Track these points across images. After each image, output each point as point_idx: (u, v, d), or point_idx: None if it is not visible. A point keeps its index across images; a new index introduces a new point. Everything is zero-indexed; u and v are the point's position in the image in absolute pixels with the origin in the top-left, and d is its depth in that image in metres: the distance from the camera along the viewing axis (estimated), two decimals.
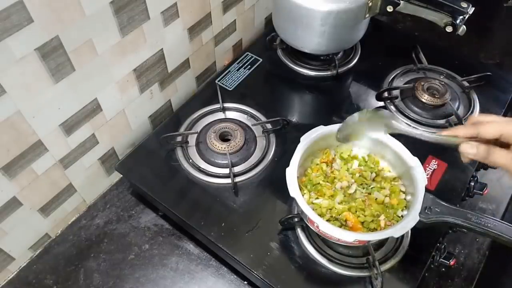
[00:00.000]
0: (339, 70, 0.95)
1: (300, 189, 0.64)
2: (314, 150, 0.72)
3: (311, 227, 0.67)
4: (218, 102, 0.88)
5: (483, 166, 0.83)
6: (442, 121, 0.87)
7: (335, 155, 0.73)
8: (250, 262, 0.68)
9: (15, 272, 0.73)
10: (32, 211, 0.71)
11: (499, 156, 0.55)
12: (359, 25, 0.91)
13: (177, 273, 0.72)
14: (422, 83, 0.90)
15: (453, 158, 0.81)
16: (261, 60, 1.00)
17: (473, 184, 0.79)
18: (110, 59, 0.70)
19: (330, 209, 0.67)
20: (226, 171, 0.78)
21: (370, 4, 0.85)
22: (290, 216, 0.69)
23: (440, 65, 0.97)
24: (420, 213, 0.60)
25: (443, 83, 0.91)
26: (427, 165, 0.79)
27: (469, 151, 0.56)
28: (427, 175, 0.77)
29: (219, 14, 0.92)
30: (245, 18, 1.02)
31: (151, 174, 0.79)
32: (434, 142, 0.59)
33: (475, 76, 0.93)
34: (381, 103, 0.91)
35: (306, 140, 0.68)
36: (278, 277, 0.66)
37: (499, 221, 0.57)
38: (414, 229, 0.61)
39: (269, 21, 1.08)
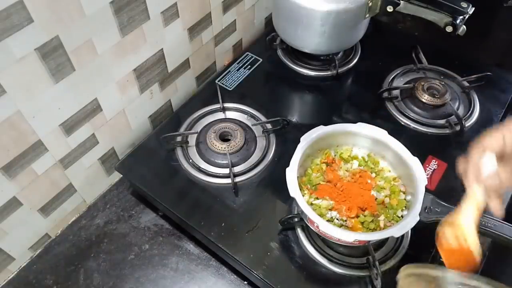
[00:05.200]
0: (339, 70, 0.95)
1: (300, 189, 0.64)
2: (314, 150, 0.72)
3: (311, 227, 0.67)
4: (218, 102, 0.88)
5: None
6: (442, 121, 0.87)
7: (335, 155, 0.73)
8: (250, 262, 0.68)
9: (15, 272, 0.73)
10: (32, 211, 0.71)
11: None
12: (359, 25, 0.91)
13: (177, 273, 0.72)
14: (422, 83, 0.91)
15: (453, 158, 0.80)
16: (261, 60, 1.00)
17: None
18: (110, 59, 0.70)
19: (330, 209, 0.67)
20: (226, 171, 0.78)
21: (370, 4, 0.85)
22: (290, 216, 0.69)
23: (440, 65, 0.97)
24: (420, 213, 0.60)
25: (443, 83, 0.91)
26: (427, 165, 0.79)
27: (494, 143, 0.48)
28: (427, 175, 0.77)
29: (219, 14, 0.92)
30: (245, 18, 1.02)
31: (151, 174, 0.79)
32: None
33: (475, 76, 0.93)
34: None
35: (306, 140, 0.68)
36: (278, 277, 0.66)
37: (499, 221, 0.57)
38: (414, 229, 0.61)
39: (269, 21, 1.08)
